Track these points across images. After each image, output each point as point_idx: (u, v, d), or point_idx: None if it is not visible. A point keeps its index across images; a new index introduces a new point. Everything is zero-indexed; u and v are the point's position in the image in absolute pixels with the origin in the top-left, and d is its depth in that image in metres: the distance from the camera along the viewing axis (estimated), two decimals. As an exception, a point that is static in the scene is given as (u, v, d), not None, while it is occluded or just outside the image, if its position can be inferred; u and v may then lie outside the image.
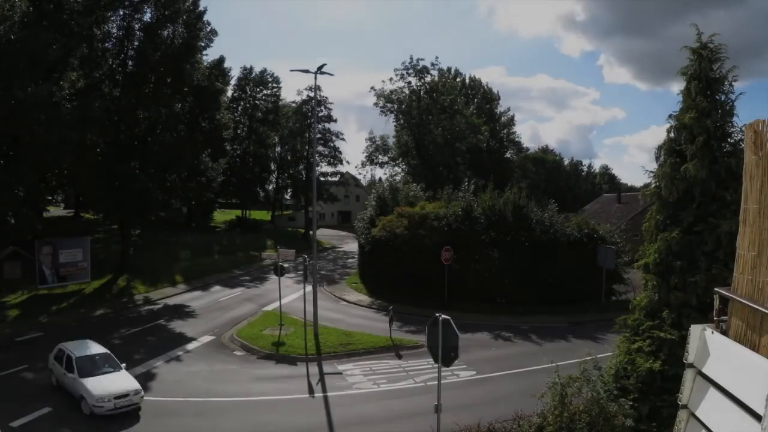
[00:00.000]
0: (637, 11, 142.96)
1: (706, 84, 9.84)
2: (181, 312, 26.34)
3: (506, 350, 20.68)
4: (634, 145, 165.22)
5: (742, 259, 3.51)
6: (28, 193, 27.37)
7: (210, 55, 52.61)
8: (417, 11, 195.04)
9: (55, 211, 49.98)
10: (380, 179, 65.31)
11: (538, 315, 25.60)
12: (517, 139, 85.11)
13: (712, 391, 3.41)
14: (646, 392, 9.94)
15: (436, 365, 9.81)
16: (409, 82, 59.02)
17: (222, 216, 66.32)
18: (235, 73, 61.39)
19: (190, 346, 20.63)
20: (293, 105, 61.68)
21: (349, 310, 27.61)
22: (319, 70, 21.67)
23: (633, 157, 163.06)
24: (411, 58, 59.12)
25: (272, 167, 67.99)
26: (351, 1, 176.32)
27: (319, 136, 56.40)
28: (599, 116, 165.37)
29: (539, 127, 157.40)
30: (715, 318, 3.69)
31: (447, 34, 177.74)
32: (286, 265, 24.51)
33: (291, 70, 47.25)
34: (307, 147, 59.30)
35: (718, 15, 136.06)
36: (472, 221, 28.73)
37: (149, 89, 31.97)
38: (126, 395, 13.86)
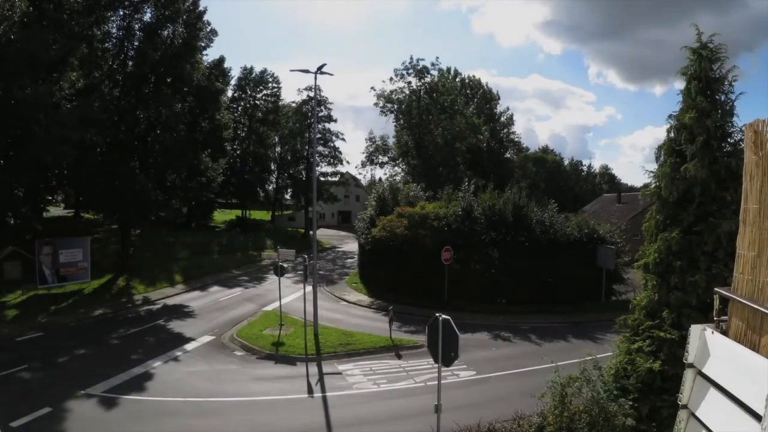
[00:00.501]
0: (614, 16, 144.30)
1: (706, 84, 9.84)
2: (181, 312, 26.34)
3: (506, 350, 20.68)
4: (627, 144, 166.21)
5: (742, 259, 3.51)
6: (28, 193, 27.40)
7: (210, 56, 52.81)
8: (402, 15, 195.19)
9: (55, 211, 49.96)
10: (380, 179, 65.43)
11: (538, 315, 25.60)
12: (516, 139, 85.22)
13: (712, 391, 3.41)
14: (646, 392, 9.93)
15: (436, 365, 9.80)
16: (409, 83, 59.13)
17: (222, 216, 66.33)
18: (235, 74, 61.51)
19: (190, 346, 20.63)
20: (293, 105, 61.76)
21: (349, 310, 27.61)
22: (319, 70, 21.65)
23: (627, 157, 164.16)
24: (411, 58, 59.30)
25: (272, 167, 68.03)
26: (338, 5, 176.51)
27: (319, 136, 56.44)
28: (590, 117, 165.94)
29: (534, 126, 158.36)
30: (715, 318, 3.68)
31: (431, 38, 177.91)
32: (285, 265, 24.51)
33: (291, 70, 47.33)
34: (307, 147, 59.35)
35: (698, 20, 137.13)
36: (472, 221, 28.75)
37: (149, 89, 31.99)
38: None
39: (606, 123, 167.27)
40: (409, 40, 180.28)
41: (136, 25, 32.37)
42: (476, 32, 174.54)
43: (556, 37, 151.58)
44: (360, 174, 67.82)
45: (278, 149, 67.40)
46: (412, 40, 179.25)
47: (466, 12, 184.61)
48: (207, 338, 21.71)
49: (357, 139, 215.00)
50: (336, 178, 63.16)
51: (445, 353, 9.36)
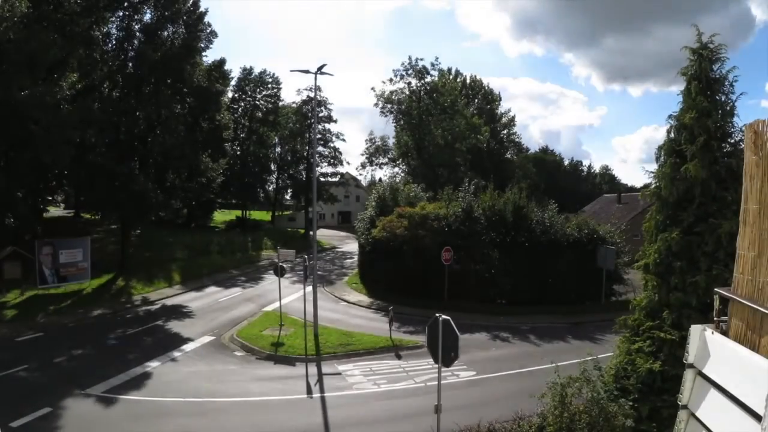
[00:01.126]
0: (582, 24, 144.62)
1: (706, 84, 9.84)
2: (180, 312, 26.34)
3: (506, 351, 20.67)
4: (619, 145, 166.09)
5: (742, 260, 3.50)
6: (28, 193, 27.42)
7: (210, 57, 52.81)
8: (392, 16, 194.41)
9: (55, 211, 49.96)
10: (380, 180, 65.43)
11: (538, 315, 25.59)
12: (517, 140, 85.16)
13: (712, 392, 3.40)
14: (646, 392, 9.93)
15: (436, 365, 9.80)
16: (409, 83, 59.13)
17: (222, 216, 66.30)
18: (235, 74, 61.45)
19: (190, 346, 20.63)
20: (293, 105, 61.74)
21: (349, 310, 27.61)
22: (319, 70, 21.64)
23: (621, 156, 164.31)
24: (410, 59, 59.27)
25: (272, 168, 68.03)
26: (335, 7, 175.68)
27: (319, 136, 56.42)
28: (581, 117, 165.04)
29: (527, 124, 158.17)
30: (715, 318, 3.68)
31: (418, 39, 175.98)
32: (285, 266, 24.50)
33: (291, 71, 47.30)
34: (307, 147, 59.35)
35: (654, 31, 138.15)
36: (472, 222, 28.72)
37: (149, 90, 31.98)
38: None
39: (597, 123, 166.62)
40: (400, 40, 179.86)
41: (136, 26, 32.36)
42: (455, 34, 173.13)
43: (531, 41, 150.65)
44: (360, 174, 67.90)
45: (278, 150, 67.40)
46: (403, 41, 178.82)
47: (437, 16, 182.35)
48: (207, 338, 21.71)
49: (356, 140, 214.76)
50: (336, 179, 63.16)
51: (445, 353, 9.35)
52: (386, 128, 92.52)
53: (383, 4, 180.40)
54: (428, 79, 59.13)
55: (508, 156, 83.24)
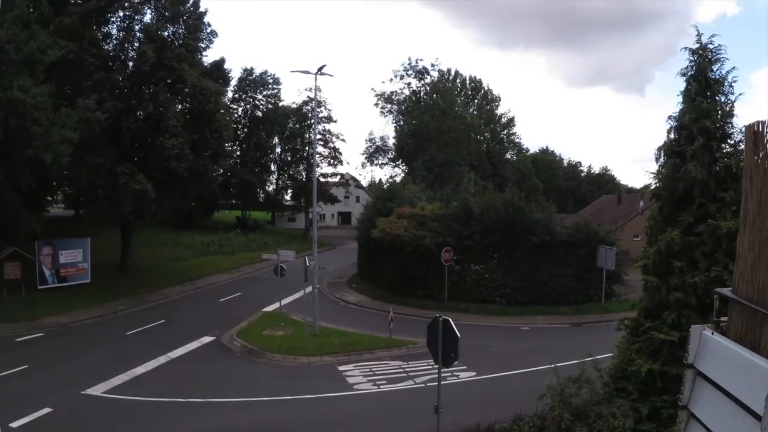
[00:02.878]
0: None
1: (705, 85, 9.84)
2: (180, 312, 26.34)
3: (506, 351, 20.68)
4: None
5: (742, 260, 3.50)
6: (28, 193, 27.40)
7: (210, 57, 52.68)
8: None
9: (55, 211, 49.93)
10: (380, 180, 65.52)
11: (537, 316, 25.62)
12: (517, 140, 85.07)
13: (713, 392, 3.41)
14: (646, 393, 9.93)
15: (436, 366, 9.81)
16: (409, 84, 59.16)
17: (222, 216, 66.29)
18: (235, 74, 61.30)
19: (190, 346, 20.63)
20: (293, 106, 61.76)
21: (349, 310, 27.62)
22: (320, 71, 21.71)
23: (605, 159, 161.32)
24: (410, 59, 59.32)
25: (272, 168, 68.01)
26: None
27: (319, 136, 56.47)
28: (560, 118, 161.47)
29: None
30: (715, 319, 3.68)
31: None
32: (285, 266, 24.49)
33: (291, 71, 47.42)
34: (307, 148, 59.38)
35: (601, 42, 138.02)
36: (472, 222, 28.73)
37: (149, 90, 31.96)
38: None
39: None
40: (399, 41, 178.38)
41: (137, 26, 32.38)
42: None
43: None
44: (360, 175, 67.95)
45: (278, 150, 67.37)
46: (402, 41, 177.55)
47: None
48: (207, 339, 21.72)
49: (355, 139, 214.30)
50: (336, 179, 63.19)
51: (445, 354, 9.38)
52: (386, 128, 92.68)
53: (384, 5, 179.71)
54: (428, 79, 59.21)
55: (508, 156, 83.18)
